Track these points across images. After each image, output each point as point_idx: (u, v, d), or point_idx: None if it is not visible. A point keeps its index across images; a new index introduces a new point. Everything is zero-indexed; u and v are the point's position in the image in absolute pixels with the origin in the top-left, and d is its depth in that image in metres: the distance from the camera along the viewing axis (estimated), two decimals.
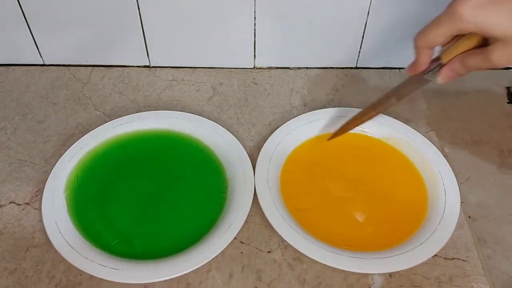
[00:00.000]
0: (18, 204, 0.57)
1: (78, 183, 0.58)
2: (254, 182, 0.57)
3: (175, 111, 0.67)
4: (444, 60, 0.49)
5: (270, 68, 0.77)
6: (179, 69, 0.77)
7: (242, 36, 0.73)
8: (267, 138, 0.62)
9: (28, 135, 0.66)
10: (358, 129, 0.64)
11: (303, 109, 0.70)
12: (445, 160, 0.60)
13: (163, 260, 0.51)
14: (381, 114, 0.65)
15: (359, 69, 0.77)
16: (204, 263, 0.50)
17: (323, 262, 0.50)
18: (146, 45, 0.74)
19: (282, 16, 0.70)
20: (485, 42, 0.45)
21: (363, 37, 0.73)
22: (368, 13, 0.70)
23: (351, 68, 0.77)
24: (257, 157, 0.60)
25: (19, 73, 0.76)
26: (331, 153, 0.62)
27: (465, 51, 0.47)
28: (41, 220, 0.55)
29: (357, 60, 0.76)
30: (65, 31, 0.73)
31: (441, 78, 0.49)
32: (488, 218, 0.56)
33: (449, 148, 0.64)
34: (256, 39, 0.73)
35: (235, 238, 0.52)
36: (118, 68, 0.77)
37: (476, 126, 0.68)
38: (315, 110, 0.67)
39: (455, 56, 0.47)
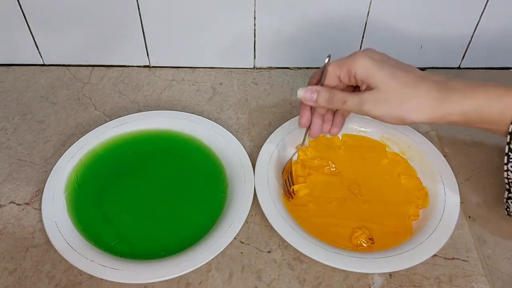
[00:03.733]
0: (18, 204, 0.57)
1: (78, 183, 0.58)
2: (254, 182, 0.57)
3: (175, 111, 0.67)
4: None
5: (270, 68, 0.78)
6: (179, 69, 0.77)
7: (242, 36, 0.73)
8: (267, 138, 0.62)
9: (28, 135, 0.66)
10: (358, 129, 0.65)
11: None
12: (445, 160, 0.60)
13: (163, 260, 0.51)
14: None
15: None
16: (204, 263, 0.50)
17: (323, 262, 0.50)
18: (146, 45, 0.74)
19: (282, 16, 0.70)
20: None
21: (363, 37, 0.73)
22: (368, 13, 0.70)
23: None
24: (257, 157, 0.60)
25: (19, 73, 0.76)
26: (331, 153, 0.62)
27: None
28: (41, 220, 0.55)
29: None
30: (65, 31, 0.73)
31: (301, 93, 0.52)
32: (488, 218, 0.56)
33: (449, 148, 0.64)
34: (256, 39, 0.73)
35: (235, 238, 0.52)
36: (118, 68, 0.77)
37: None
38: None
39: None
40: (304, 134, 0.58)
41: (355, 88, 0.53)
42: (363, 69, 0.48)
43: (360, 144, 0.64)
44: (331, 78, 0.52)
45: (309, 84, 0.54)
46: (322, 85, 0.52)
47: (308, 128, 0.57)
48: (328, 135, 0.57)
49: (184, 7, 0.69)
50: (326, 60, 0.51)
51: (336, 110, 0.56)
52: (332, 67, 0.51)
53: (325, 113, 0.56)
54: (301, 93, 0.52)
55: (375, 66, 0.48)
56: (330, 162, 0.61)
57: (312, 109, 0.55)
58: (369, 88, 0.49)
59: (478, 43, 0.73)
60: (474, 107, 0.46)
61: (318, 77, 0.53)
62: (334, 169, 0.60)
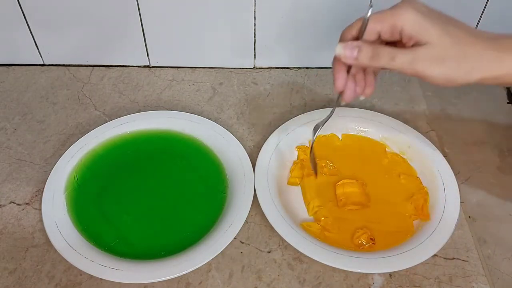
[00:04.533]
0: (18, 204, 0.57)
1: (78, 183, 0.58)
2: (254, 182, 0.57)
3: (175, 111, 0.67)
4: None
5: (270, 68, 0.77)
6: (179, 69, 0.77)
7: (242, 36, 0.73)
8: (267, 138, 0.62)
9: (28, 135, 0.66)
10: (358, 130, 0.65)
11: (303, 109, 0.69)
12: (445, 160, 0.60)
13: (163, 260, 0.51)
14: (380, 114, 0.66)
15: None
16: (204, 263, 0.50)
17: (323, 262, 0.50)
18: (146, 45, 0.74)
19: (282, 16, 0.70)
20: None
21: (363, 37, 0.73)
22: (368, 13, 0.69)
23: None
24: (257, 157, 0.60)
25: (19, 73, 0.76)
26: (331, 153, 0.62)
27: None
28: (41, 220, 0.55)
29: None
30: (65, 31, 0.73)
31: (339, 49, 0.46)
32: (488, 218, 0.56)
33: (449, 148, 0.64)
34: (256, 39, 0.73)
35: (235, 238, 0.52)
36: (118, 68, 0.77)
37: (476, 126, 0.68)
38: (315, 110, 0.67)
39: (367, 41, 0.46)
40: (336, 100, 0.51)
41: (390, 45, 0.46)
42: (412, 23, 0.43)
43: (360, 144, 0.64)
44: (369, 33, 0.46)
45: (342, 40, 0.47)
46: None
47: (341, 93, 0.50)
48: (362, 97, 0.50)
49: (184, 7, 0.69)
50: (369, 13, 0.45)
51: (366, 68, 0.50)
52: (372, 21, 0.45)
53: (356, 73, 0.49)
54: (340, 49, 0.46)
55: (426, 20, 0.43)
56: (329, 162, 0.61)
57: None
58: (418, 44, 0.43)
59: None
60: None
61: (353, 32, 0.46)
62: (334, 169, 0.60)
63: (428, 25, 0.43)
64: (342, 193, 0.57)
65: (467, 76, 0.43)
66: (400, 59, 0.44)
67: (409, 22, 0.43)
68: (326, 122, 0.54)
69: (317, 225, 0.54)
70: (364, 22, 0.45)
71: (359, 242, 0.53)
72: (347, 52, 0.45)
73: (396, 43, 0.46)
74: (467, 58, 0.43)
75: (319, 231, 0.54)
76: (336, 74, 0.48)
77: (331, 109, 0.53)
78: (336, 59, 0.48)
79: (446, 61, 0.43)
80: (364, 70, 0.50)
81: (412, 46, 0.44)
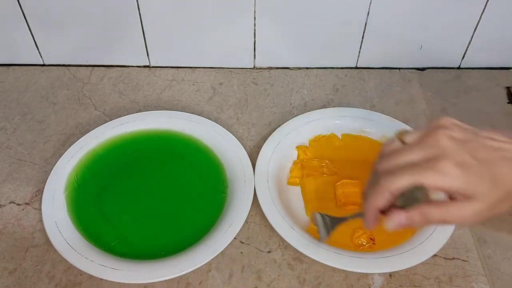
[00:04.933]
0: (18, 204, 0.57)
1: (78, 183, 0.58)
2: (254, 182, 0.57)
3: (175, 111, 0.67)
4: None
5: (270, 68, 0.77)
6: (179, 69, 0.77)
7: (242, 36, 0.73)
8: (267, 138, 0.62)
9: (28, 135, 0.66)
10: (358, 130, 0.64)
11: (303, 109, 0.69)
12: None
13: (163, 260, 0.51)
14: (380, 114, 0.66)
15: (359, 69, 0.77)
16: (204, 263, 0.50)
17: (323, 262, 0.50)
18: (146, 45, 0.74)
19: (282, 16, 0.70)
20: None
21: (363, 37, 0.73)
22: (368, 13, 0.70)
23: (351, 68, 0.77)
24: (257, 157, 0.60)
25: (19, 73, 0.76)
26: (331, 154, 0.62)
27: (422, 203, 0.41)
28: (41, 220, 0.55)
29: (357, 60, 0.76)
30: (65, 31, 0.73)
31: (392, 223, 0.42)
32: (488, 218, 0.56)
33: None
34: (256, 39, 0.73)
35: (235, 238, 0.52)
36: (118, 68, 0.77)
37: (476, 126, 0.67)
38: (315, 110, 0.67)
39: (413, 207, 0.41)
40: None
41: None
42: (458, 184, 0.39)
43: (360, 144, 0.64)
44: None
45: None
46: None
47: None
48: None
49: (184, 7, 0.69)
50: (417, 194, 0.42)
51: None
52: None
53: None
54: (390, 225, 0.42)
55: (474, 178, 0.39)
56: (328, 162, 0.61)
57: None
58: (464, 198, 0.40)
59: (478, 43, 0.73)
60: None
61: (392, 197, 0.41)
62: (334, 169, 0.60)
63: (476, 184, 0.39)
64: (341, 193, 0.57)
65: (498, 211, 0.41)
66: (450, 219, 0.41)
67: (454, 184, 0.39)
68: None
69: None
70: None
71: (359, 242, 0.53)
72: (400, 225, 0.42)
73: None
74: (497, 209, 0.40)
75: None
76: (368, 217, 0.43)
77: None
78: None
79: (484, 214, 0.40)
80: None
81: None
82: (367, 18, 0.70)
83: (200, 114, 0.67)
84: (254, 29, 0.72)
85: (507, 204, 0.41)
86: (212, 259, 0.50)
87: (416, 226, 0.47)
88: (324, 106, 0.70)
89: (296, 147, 0.63)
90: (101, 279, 0.49)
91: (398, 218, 0.42)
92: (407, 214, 0.41)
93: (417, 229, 0.53)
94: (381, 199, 0.41)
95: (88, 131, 0.63)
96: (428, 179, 0.39)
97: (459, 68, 0.78)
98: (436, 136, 0.41)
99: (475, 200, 0.40)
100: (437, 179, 0.39)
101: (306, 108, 0.70)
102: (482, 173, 0.40)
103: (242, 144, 0.62)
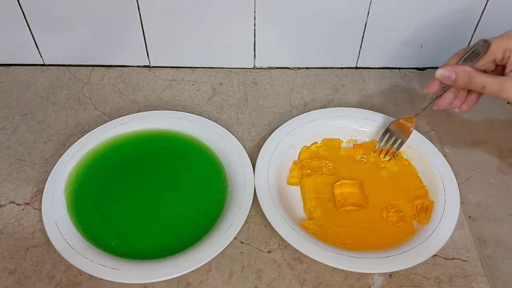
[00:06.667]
0: (18, 204, 0.57)
1: (78, 183, 0.58)
2: (254, 182, 0.57)
3: (175, 111, 0.67)
4: None
5: (270, 68, 0.77)
6: (179, 69, 0.77)
7: (242, 36, 0.73)
8: (267, 138, 0.62)
9: (28, 135, 0.66)
10: (358, 129, 0.64)
11: (303, 109, 0.70)
12: (445, 160, 0.60)
13: (163, 260, 0.51)
14: (381, 114, 0.66)
15: (359, 69, 0.77)
16: (204, 263, 0.50)
17: (323, 262, 0.50)
18: (146, 45, 0.74)
19: (282, 16, 0.70)
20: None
21: (363, 37, 0.73)
22: (368, 13, 0.70)
23: (351, 68, 0.77)
24: (257, 157, 0.60)
25: (19, 73, 0.76)
26: (331, 154, 0.62)
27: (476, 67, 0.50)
28: (41, 220, 0.55)
29: (357, 60, 0.76)
30: (65, 31, 0.73)
31: (440, 71, 0.52)
32: (488, 218, 0.56)
33: (449, 148, 0.64)
34: (256, 39, 0.73)
35: (235, 238, 0.52)
36: (118, 68, 0.77)
37: (476, 126, 0.68)
38: (315, 110, 0.67)
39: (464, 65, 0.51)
40: (428, 101, 0.57)
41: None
42: None
43: (360, 144, 0.64)
44: (485, 60, 0.51)
45: (449, 61, 0.53)
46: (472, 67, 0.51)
47: (434, 98, 0.56)
48: (457, 110, 0.56)
49: (184, 7, 0.69)
50: (481, 47, 0.51)
51: None
52: (492, 50, 0.50)
53: (460, 89, 0.55)
54: (441, 71, 0.52)
55: None
56: (327, 162, 0.61)
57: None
58: None
59: None
60: None
61: (460, 56, 0.52)
62: (333, 169, 0.60)
63: None
64: (340, 193, 0.57)
65: None
66: (489, 88, 0.49)
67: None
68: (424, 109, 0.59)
69: (314, 223, 0.55)
70: (471, 51, 0.51)
71: (390, 220, 0.55)
72: (445, 73, 0.52)
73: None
74: None
75: (317, 228, 0.54)
76: (432, 81, 0.55)
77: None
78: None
79: None
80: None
81: (510, 72, 0.49)
82: (367, 18, 0.70)
83: (200, 114, 0.67)
84: (254, 29, 0.72)
85: None
86: (212, 259, 0.50)
87: (460, 85, 0.52)
88: (324, 106, 0.70)
89: (297, 147, 0.63)
90: (101, 279, 0.49)
91: (447, 68, 0.51)
92: (455, 68, 0.51)
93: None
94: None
95: (88, 131, 0.63)
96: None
97: None
98: None
99: None
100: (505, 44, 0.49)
101: (306, 108, 0.70)
102: None
103: (242, 144, 0.62)
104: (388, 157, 0.60)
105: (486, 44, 0.51)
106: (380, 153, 0.61)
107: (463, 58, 0.53)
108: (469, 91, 0.56)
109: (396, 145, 0.61)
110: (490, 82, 0.49)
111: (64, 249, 0.51)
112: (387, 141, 0.61)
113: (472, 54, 0.52)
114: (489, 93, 0.50)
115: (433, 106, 0.57)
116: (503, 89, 0.48)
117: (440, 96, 0.56)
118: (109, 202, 0.57)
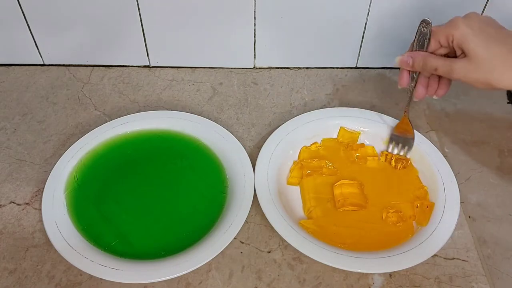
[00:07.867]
0: (18, 204, 0.57)
1: (78, 183, 0.58)
2: (254, 182, 0.57)
3: (175, 111, 0.67)
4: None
5: (270, 68, 0.78)
6: (179, 69, 0.77)
7: (242, 36, 0.73)
8: (267, 138, 0.62)
9: (28, 135, 0.66)
10: (358, 130, 0.64)
11: (303, 109, 0.70)
12: (445, 160, 0.60)
13: (163, 260, 0.51)
14: (380, 114, 0.66)
15: (359, 69, 0.77)
16: (204, 263, 0.50)
17: (323, 262, 0.50)
18: (146, 45, 0.74)
19: (282, 16, 0.70)
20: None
21: (363, 37, 0.73)
22: (368, 13, 0.70)
23: (351, 68, 0.77)
24: (257, 157, 0.60)
25: (19, 73, 0.76)
26: (331, 154, 0.62)
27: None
28: (41, 220, 0.55)
29: (357, 60, 0.76)
30: (65, 31, 0.73)
31: (398, 57, 0.56)
32: (488, 218, 0.56)
33: (449, 148, 0.64)
34: (256, 39, 0.73)
35: (235, 238, 0.52)
36: (118, 68, 0.77)
37: (476, 126, 0.68)
38: (315, 110, 0.67)
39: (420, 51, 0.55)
40: (408, 95, 0.59)
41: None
42: (459, 36, 0.51)
43: (360, 144, 0.64)
44: (432, 42, 0.54)
45: (409, 49, 0.57)
46: (425, 50, 0.55)
47: (412, 91, 0.59)
48: (435, 97, 0.58)
49: (184, 7, 0.69)
50: (423, 27, 0.54)
51: None
52: (433, 32, 0.54)
53: (430, 76, 0.58)
54: (399, 57, 0.56)
55: (470, 35, 0.50)
56: (327, 162, 0.61)
57: (416, 72, 0.57)
58: (463, 55, 0.51)
59: None
60: None
61: (416, 43, 0.56)
62: (333, 169, 0.60)
63: (470, 39, 0.50)
64: (339, 193, 0.57)
65: (501, 84, 0.49)
66: (440, 70, 0.53)
67: (456, 35, 0.51)
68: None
69: (313, 223, 0.55)
70: (419, 35, 0.54)
71: (389, 220, 0.55)
72: (403, 59, 0.56)
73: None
74: (499, 70, 0.49)
75: (316, 228, 0.54)
76: (400, 73, 0.58)
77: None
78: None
79: (478, 72, 0.50)
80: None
81: (459, 56, 0.52)
82: (367, 18, 0.70)
83: (200, 114, 0.67)
84: (254, 29, 0.72)
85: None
86: (212, 259, 0.50)
87: (417, 69, 0.55)
88: (324, 106, 0.70)
89: (297, 147, 0.63)
90: (101, 279, 0.49)
91: (404, 55, 0.56)
92: (411, 53, 0.55)
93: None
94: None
95: (88, 131, 0.63)
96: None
97: None
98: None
99: (468, 58, 0.50)
100: (448, 30, 0.52)
101: (306, 108, 0.70)
102: (481, 36, 0.50)
103: (242, 144, 0.62)
104: (400, 165, 0.61)
105: (426, 23, 0.54)
106: (390, 162, 0.61)
107: (415, 42, 0.55)
108: (440, 77, 0.58)
109: (405, 151, 0.61)
110: (441, 64, 0.52)
111: (64, 249, 0.51)
112: (394, 149, 0.62)
113: (420, 37, 0.55)
114: (442, 74, 0.53)
115: (414, 98, 0.59)
116: (453, 70, 0.51)
117: (414, 87, 0.58)
118: (109, 202, 0.57)
